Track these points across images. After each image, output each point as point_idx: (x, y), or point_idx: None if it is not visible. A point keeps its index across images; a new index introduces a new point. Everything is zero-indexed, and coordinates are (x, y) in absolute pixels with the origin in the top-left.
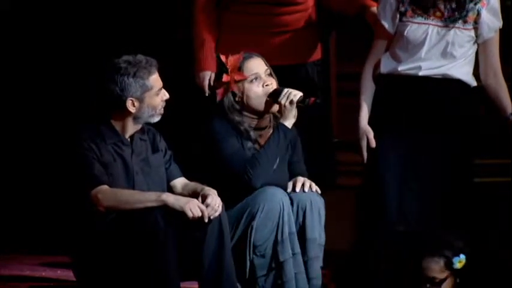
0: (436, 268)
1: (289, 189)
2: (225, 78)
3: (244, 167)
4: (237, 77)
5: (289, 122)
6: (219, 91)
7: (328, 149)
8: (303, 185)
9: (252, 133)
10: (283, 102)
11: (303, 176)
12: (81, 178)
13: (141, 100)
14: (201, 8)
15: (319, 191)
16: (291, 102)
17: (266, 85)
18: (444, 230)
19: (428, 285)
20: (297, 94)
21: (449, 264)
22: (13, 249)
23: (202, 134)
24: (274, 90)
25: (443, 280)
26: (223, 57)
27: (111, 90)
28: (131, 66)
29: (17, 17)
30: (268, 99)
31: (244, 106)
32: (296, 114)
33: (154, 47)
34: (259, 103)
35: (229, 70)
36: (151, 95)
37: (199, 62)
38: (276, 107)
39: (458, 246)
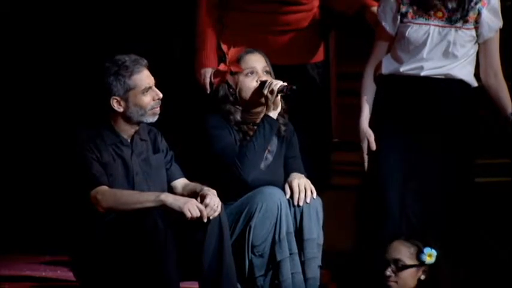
0: (404, 251)
1: (287, 195)
2: (221, 66)
3: (234, 160)
4: (233, 69)
5: (273, 113)
6: (216, 79)
7: (325, 149)
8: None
9: (245, 126)
10: (265, 92)
11: (299, 172)
12: (81, 179)
13: (125, 99)
14: (205, 6)
15: (315, 195)
16: (272, 91)
17: (260, 81)
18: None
19: (392, 266)
20: (277, 84)
21: (418, 254)
22: (13, 249)
23: (196, 130)
24: (261, 83)
25: (407, 267)
26: (224, 47)
27: (96, 89)
28: (113, 65)
29: (17, 19)
30: (257, 92)
31: (237, 98)
32: (279, 103)
33: (154, 47)
34: (250, 97)
35: (227, 60)
36: (136, 94)
37: (200, 59)
38: (279, 99)
39: (433, 243)
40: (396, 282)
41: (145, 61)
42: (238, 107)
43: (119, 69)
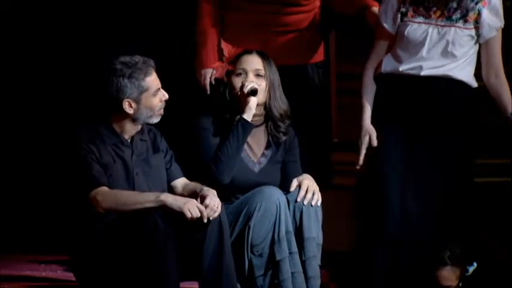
0: (452, 277)
1: (293, 188)
2: (218, 64)
3: (209, 164)
4: (228, 67)
5: (246, 115)
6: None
7: (325, 149)
8: (306, 190)
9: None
10: (238, 94)
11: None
12: (81, 179)
13: (137, 101)
14: (206, 6)
15: (319, 203)
16: (242, 94)
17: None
18: (446, 239)
19: None
20: (247, 86)
21: (463, 273)
22: (13, 249)
23: (188, 129)
24: (242, 85)
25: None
26: (224, 45)
27: (108, 91)
28: (127, 68)
29: (17, 19)
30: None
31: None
32: (250, 105)
33: (154, 47)
34: (235, 96)
35: (224, 58)
36: (148, 96)
37: (201, 59)
38: (252, 101)
39: (470, 255)
40: None
41: (153, 62)
42: (229, 104)
43: (132, 71)
